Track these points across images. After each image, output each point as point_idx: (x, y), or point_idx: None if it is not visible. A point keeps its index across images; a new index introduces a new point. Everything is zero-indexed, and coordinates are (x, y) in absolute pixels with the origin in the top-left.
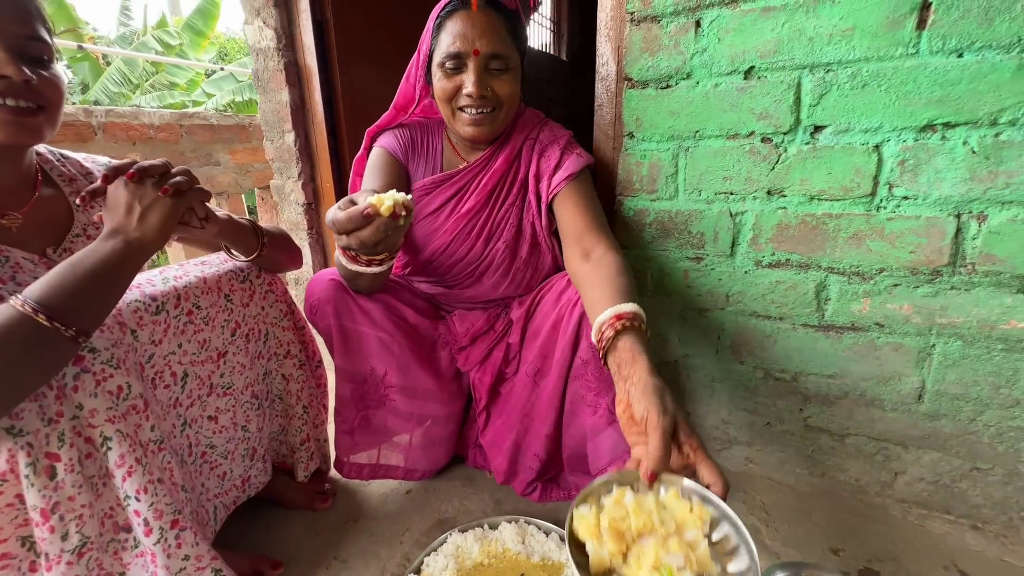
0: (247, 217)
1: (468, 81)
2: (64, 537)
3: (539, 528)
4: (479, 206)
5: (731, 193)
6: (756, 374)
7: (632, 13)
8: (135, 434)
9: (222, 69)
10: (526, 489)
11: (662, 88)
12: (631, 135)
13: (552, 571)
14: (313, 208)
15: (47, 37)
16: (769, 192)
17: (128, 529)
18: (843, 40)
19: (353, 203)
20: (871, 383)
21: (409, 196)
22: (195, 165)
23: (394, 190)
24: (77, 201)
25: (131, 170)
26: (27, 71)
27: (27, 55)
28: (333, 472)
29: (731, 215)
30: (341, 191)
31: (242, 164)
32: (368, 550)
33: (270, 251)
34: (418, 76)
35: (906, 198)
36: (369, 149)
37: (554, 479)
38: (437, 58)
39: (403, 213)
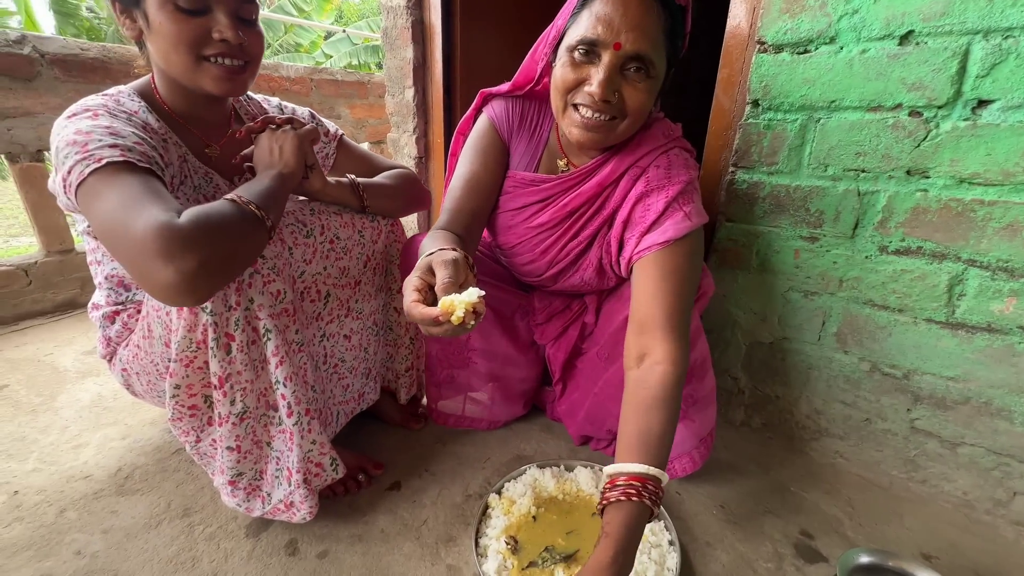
0: (349, 177)
1: (595, 78)
2: (232, 403)
3: None
4: (552, 224)
5: (863, 171)
6: (861, 366)
7: None
8: (285, 332)
9: (344, 32)
10: (598, 445)
11: (799, 53)
12: (756, 103)
13: None
14: (423, 162)
15: None
16: (909, 172)
17: (275, 408)
18: None
19: (431, 271)
20: (1001, 392)
21: (482, 295)
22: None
23: (470, 290)
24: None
25: (259, 122)
26: (241, 34)
27: (241, 17)
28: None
29: (859, 194)
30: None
31: (360, 119)
32: (455, 469)
33: (378, 202)
34: (544, 53)
35: None
36: (478, 109)
37: None
38: (569, 39)
39: (471, 322)
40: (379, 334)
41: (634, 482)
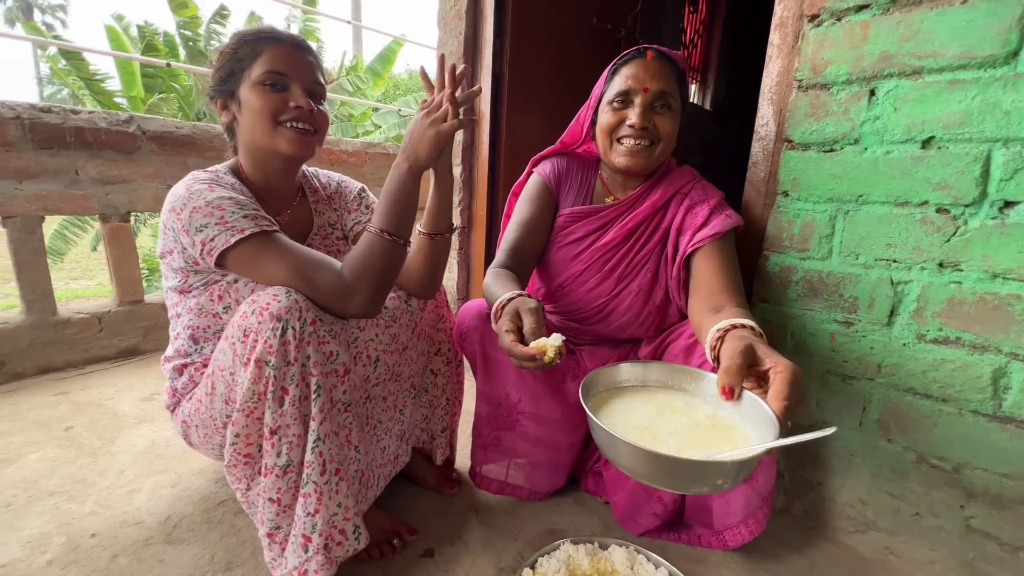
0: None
1: (633, 114)
2: (278, 455)
3: (648, 559)
4: (617, 242)
5: (894, 260)
6: (907, 456)
7: (800, 80)
8: (331, 391)
9: (399, 112)
10: (638, 527)
11: (825, 152)
12: (785, 194)
13: None
14: (465, 232)
15: (324, 82)
16: (941, 264)
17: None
18: None
19: (519, 316)
20: None
21: (563, 340)
22: (372, 186)
23: (556, 335)
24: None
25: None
26: (313, 104)
27: (313, 94)
28: (459, 464)
29: (892, 283)
30: (492, 218)
31: None
32: (487, 539)
33: (445, 244)
34: (587, 116)
35: None
36: (529, 175)
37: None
38: (607, 97)
39: (558, 360)
40: (416, 396)
41: (741, 327)
